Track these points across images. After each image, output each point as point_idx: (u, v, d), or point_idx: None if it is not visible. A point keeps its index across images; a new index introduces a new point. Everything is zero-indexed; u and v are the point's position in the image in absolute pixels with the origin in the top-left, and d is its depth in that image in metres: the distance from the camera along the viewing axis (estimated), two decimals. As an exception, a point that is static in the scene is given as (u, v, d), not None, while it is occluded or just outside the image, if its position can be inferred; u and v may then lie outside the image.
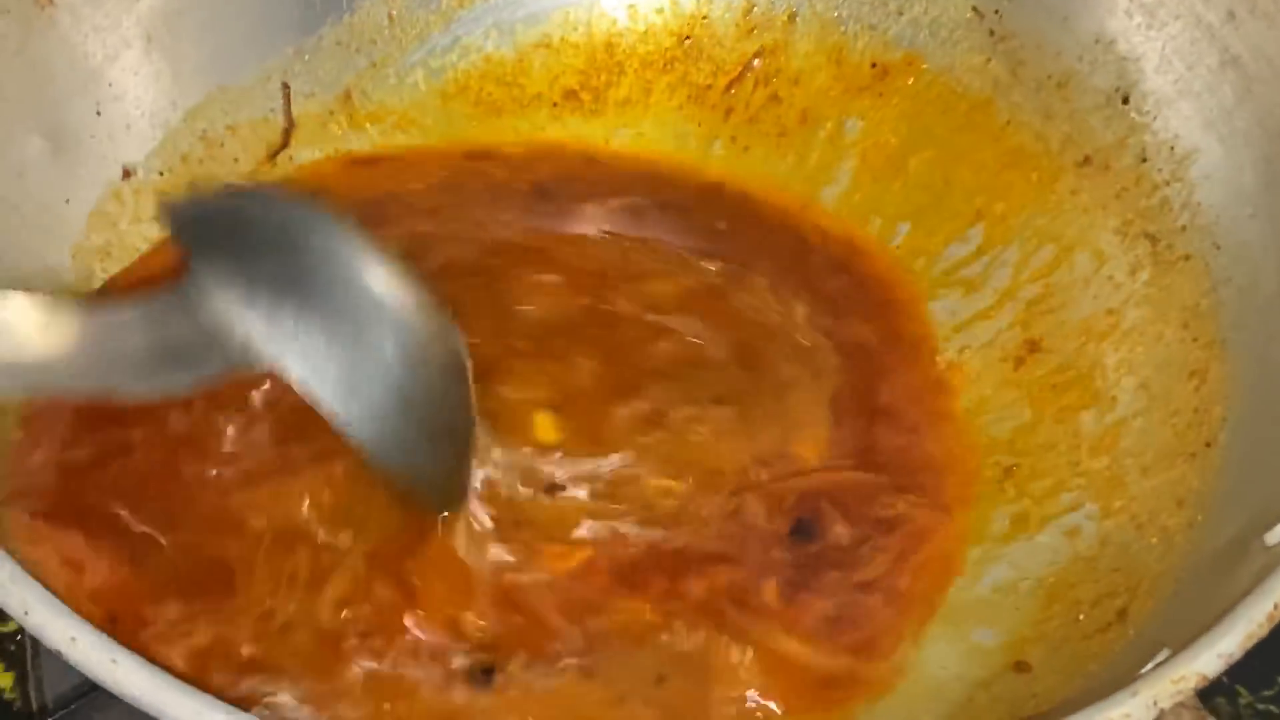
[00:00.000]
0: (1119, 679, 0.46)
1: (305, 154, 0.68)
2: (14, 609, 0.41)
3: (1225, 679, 0.64)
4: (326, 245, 0.55)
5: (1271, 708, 0.63)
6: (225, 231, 0.55)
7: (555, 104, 0.71)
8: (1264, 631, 0.43)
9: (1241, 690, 0.64)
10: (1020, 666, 0.54)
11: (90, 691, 0.58)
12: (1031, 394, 0.63)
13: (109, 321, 0.52)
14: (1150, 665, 0.44)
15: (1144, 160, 0.63)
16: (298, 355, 0.53)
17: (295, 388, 0.53)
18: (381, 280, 0.56)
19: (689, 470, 0.59)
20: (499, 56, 0.71)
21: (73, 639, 0.40)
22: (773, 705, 0.54)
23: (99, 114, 0.61)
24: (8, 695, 0.62)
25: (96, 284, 0.60)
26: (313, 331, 0.54)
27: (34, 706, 0.61)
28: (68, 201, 0.60)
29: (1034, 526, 0.59)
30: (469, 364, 0.58)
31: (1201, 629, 0.44)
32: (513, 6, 0.71)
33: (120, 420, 0.57)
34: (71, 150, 0.60)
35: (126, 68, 0.62)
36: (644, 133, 0.71)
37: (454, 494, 0.58)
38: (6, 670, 0.63)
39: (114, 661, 0.40)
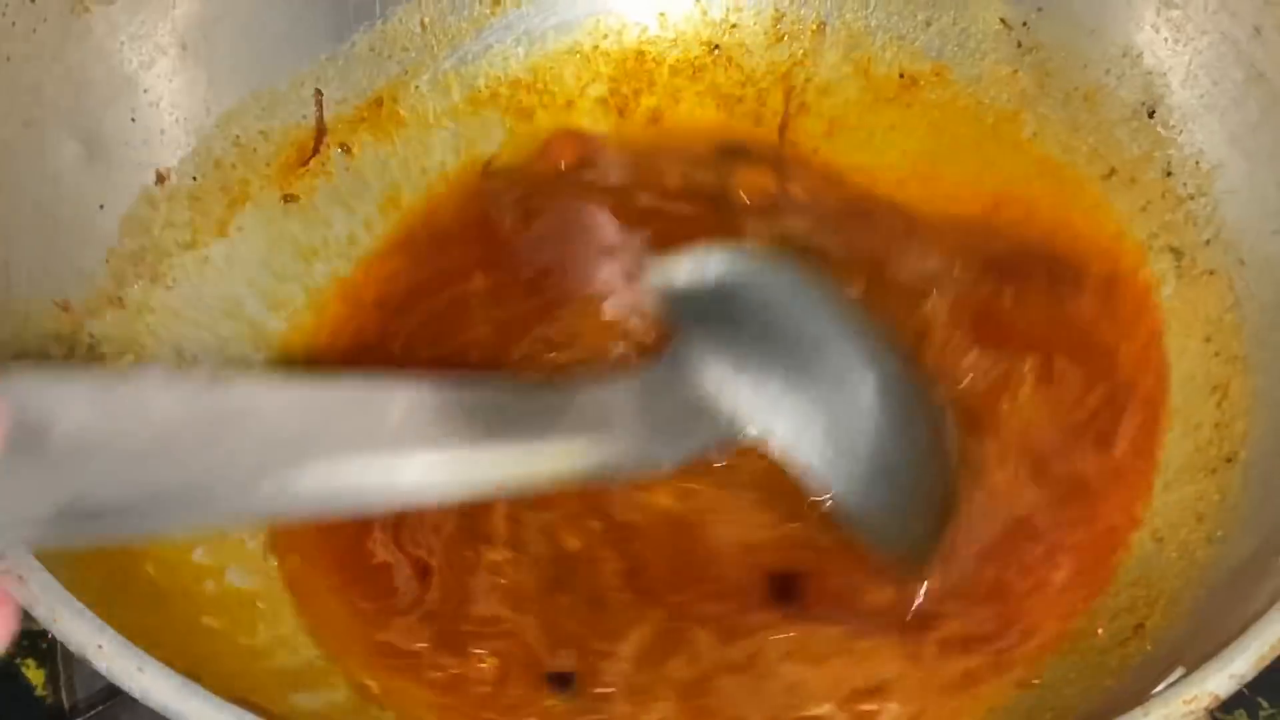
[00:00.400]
0: (1135, 695, 0.46)
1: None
2: (43, 617, 0.41)
3: (1246, 691, 0.64)
4: (809, 306, 0.55)
5: (1294, 720, 0.63)
6: (711, 300, 0.55)
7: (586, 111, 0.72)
8: (1276, 653, 0.43)
9: (1263, 703, 0.64)
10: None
11: (121, 692, 0.59)
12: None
13: (597, 399, 0.52)
14: (1164, 684, 0.44)
15: (1169, 174, 0.63)
16: (786, 423, 0.53)
17: (779, 456, 0.53)
18: (867, 340, 0.56)
19: None
20: (530, 63, 0.71)
21: (99, 646, 0.41)
22: None
23: (133, 120, 0.61)
24: (39, 692, 0.63)
25: (128, 291, 0.60)
26: (800, 397, 0.53)
27: (65, 704, 0.62)
28: (102, 207, 0.60)
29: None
30: (950, 420, 0.59)
31: (1216, 648, 0.44)
32: (544, 14, 0.71)
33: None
34: (105, 156, 0.60)
35: (161, 74, 0.62)
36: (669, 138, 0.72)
37: (928, 552, 0.58)
38: (39, 667, 0.64)
39: (140, 669, 0.40)
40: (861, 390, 0.55)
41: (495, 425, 0.47)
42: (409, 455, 0.44)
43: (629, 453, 0.51)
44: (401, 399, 0.45)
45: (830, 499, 0.54)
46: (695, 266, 0.56)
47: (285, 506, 0.42)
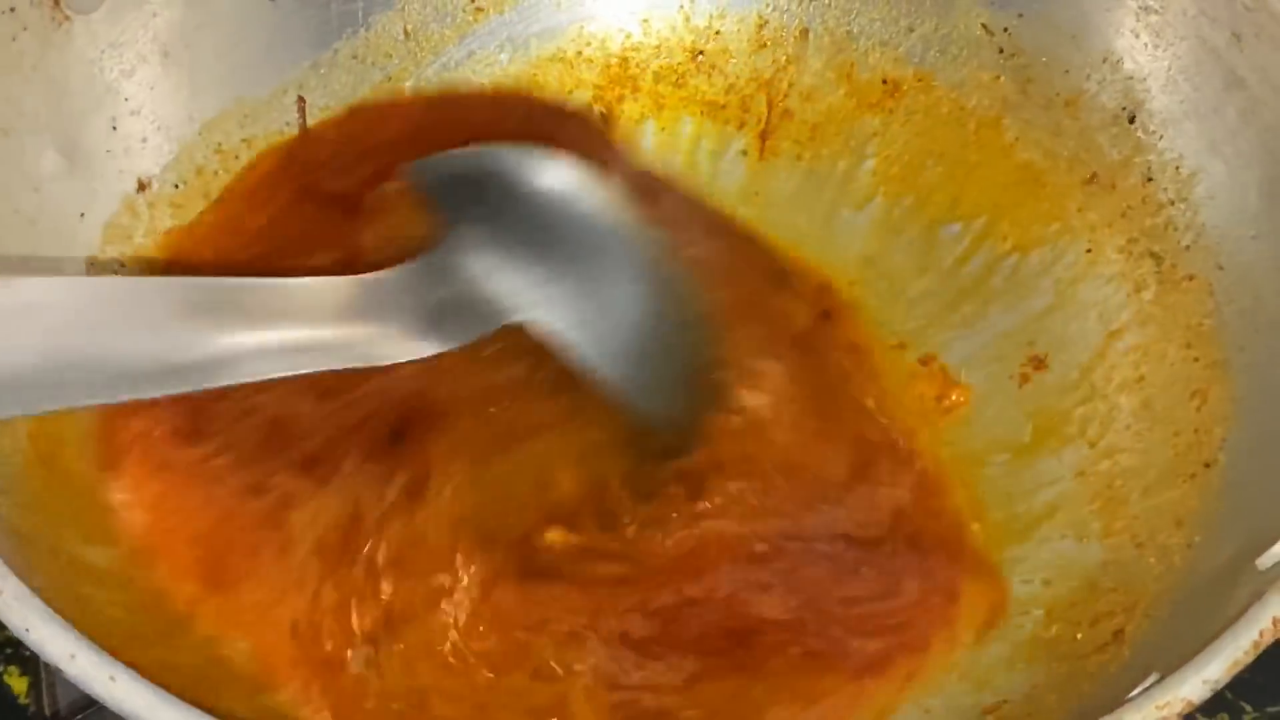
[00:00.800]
0: (1112, 700, 0.46)
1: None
2: (15, 626, 0.42)
3: (1229, 694, 0.64)
4: (570, 196, 0.57)
5: (1277, 724, 0.64)
6: (475, 191, 0.57)
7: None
8: (1249, 659, 0.44)
9: (1246, 706, 0.64)
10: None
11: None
12: (1035, 411, 0.63)
13: (374, 291, 0.55)
14: (1138, 690, 0.45)
15: (1149, 180, 0.63)
16: (552, 307, 0.56)
17: (548, 338, 0.56)
18: (624, 227, 0.57)
19: None
20: (514, 70, 0.71)
21: (72, 656, 0.41)
22: None
23: (115, 128, 0.61)
24: (22, 701, 0.63)
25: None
26: (565, 282, 0.56)
27: (47, 712, 0.62)
28: (83, 215, 0.60)
29: (1035, 543, 0.60)
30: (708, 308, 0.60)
31: (1192, 653, 0.44)
32: (527, 21, 0.71)
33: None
34: (87, 164, 0.60)
35: (143, 82, 0.62)
36: (657, 146, 0.72)
37: (693, 435, 0.60)
38: (21, 675, 0.64)
39: (112, 679, 0.40)
40: (622, 278, 0.57)
41: (258, 315, 0.51)
42: (174, 341, 0.49)
43: (400, 339, 0.54)
44: (167, 291, 0.50)
45: (597, 377, 0.57)
46: (458, 161, 0.59)
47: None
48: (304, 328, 0.52)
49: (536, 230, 0.57)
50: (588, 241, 0.57)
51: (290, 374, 0.51)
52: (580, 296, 0.57)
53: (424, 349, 0.55)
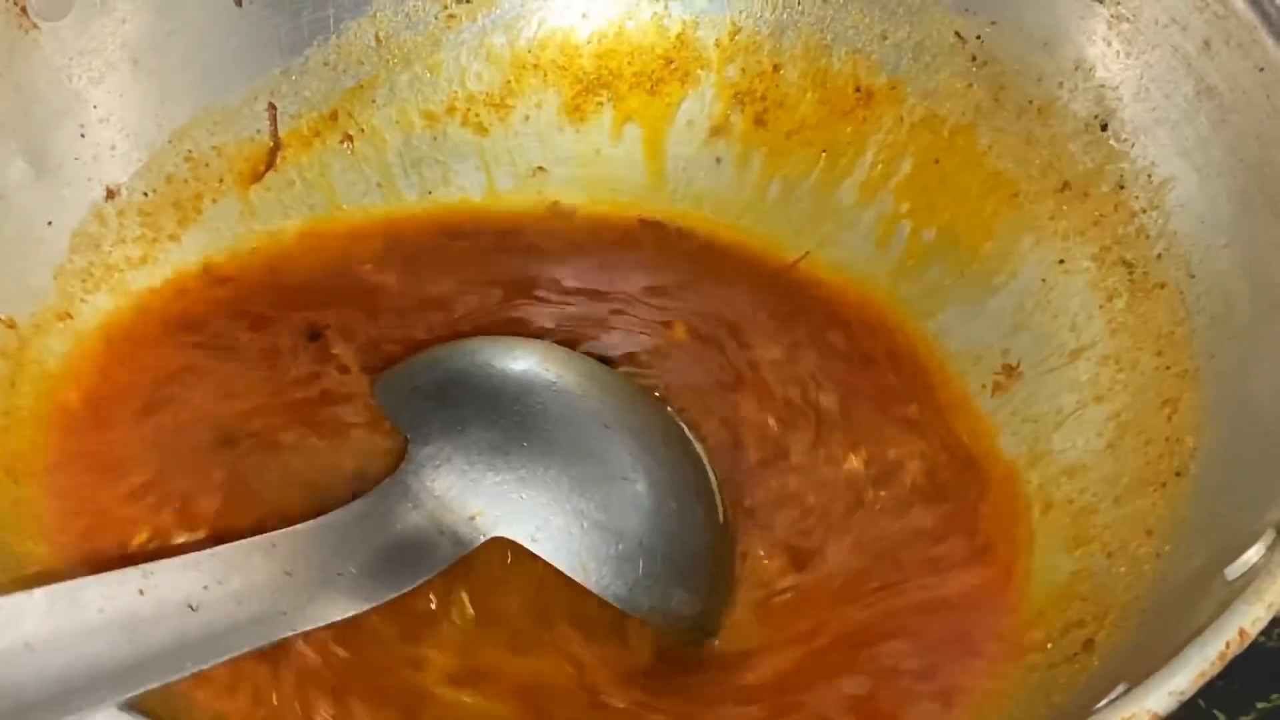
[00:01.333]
0: (1080, 711, 0.46)
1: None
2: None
3: (1203, 703, 0.64)
4: (539, 380, 0.57)
5: (1250, 733, 0.63)
6: (438, 399, 0.56)
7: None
8: (1216, 670, 0.43)
9: (1219, 715, 0.64)
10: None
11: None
12: (1008, 420, 0.63)
13: (318, 540, 0.51)
14: (1105, 701, 0.44)
15: (1122, 188, 0.63)
16: (529, 516, 0.54)
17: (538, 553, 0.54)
18: (606, 406, 0.57)
19: None
20: (487, 78, 0.71)
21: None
22: None
23: (83, 135, 0.61)
24: None
25: (76, 307, 0.60)
26: (541, 484, 0.54)
27: None
28: (50, 223, 0.60)
29: (1008, 552, 0.60)
30: (712, 478, 0.59)
31: (1160, 663, 0.44)
32: (500, 29, 0.71)
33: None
34: (54, 172, 0.60)
35: (112, 89, 0.62)
36: (629, 154, 0.72)
37: (716, 619, 0.57)
38: None
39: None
40: (611, 466, 0.55)
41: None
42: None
43: (347, 592, 0.50)
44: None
45: (587, 583, 0.54)
46: (418, 369, 0.58)
47: None
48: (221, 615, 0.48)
49: (507, 427, 0.55)
50: (565, 430, 0.56)
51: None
52: (560, 498, 0.54)
53: (372, 599, 0.51)
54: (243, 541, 0.50)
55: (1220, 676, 0.44)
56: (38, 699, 0.42)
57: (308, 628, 0.49)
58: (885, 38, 0.69)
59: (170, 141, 0.64)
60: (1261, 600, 0.44)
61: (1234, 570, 0.48)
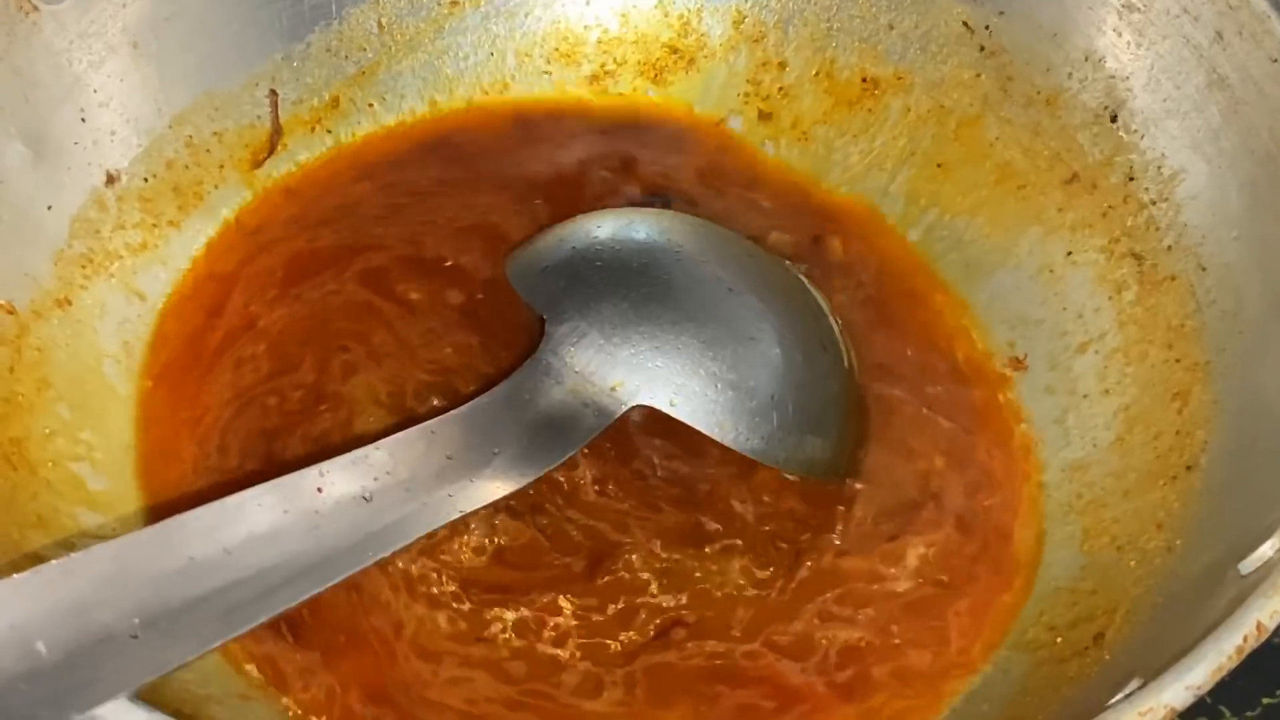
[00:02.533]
0: (1092, 705, 0.45)
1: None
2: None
3: (1209, 699, 0.64)
4: (666, 247, 0.59)
5: (1255, 728, 0.63)
6: (568, 276, 0.59)
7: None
8: (1233, 664, 0.43)
9: (1225, 711, 0.64)
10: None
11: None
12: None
13: (472, 424, 0.54)
14: (1120, 695, 0.44)
15: (1131, 179, 0.62)
16: (666, 388, 0.56)
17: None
18: (732, 269, 0.59)
19: None
20: (491, 64, 0.70)
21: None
22: None
23: (83, 120, 0.60)
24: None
25: (75, 293, 0.59)
26: (676, 350, 0.57)
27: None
28: (50, 208, 0.59)
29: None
30: (835, 328, 0.60)
31: (1173, 658, 0.43)
32: (505, 16, 0.70)
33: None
34: (54, 156, 0.59)
35: (112, 74, 0.61)
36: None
37: (847, 462, 0.59)
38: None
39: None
40: (740, 328, 0.57)
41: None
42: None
43: (504, 471, 0.53)
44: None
45: (727, 444, 0.56)
46: (543, 250, 0.60)
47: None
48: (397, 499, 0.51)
49: (636, 299, 0.57)
50: (691, 296, 0.58)
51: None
52: (693, 363, 0.56)
53: (528, 475, 0.54)
54: (404, 433, 0.53)
55: (1226, 672, 0.43)
56: (240, 600, 0.45)
57: (472, 508, 0.52)
58: (892, 27, 0.68)
59: (170, 127, 0.64)
60: (1279, 593, 0.44)
61: (1248, 564, 0.47)
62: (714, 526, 0.57)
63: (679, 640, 0.55)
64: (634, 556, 0.56)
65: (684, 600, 0.56)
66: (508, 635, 0.55)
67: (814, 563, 0.57)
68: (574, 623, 0.55)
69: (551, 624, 0.55)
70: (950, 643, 0.56)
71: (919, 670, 0.56)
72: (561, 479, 0.57)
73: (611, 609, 0.55)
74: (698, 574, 0.56)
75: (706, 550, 0.57)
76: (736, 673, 0.55)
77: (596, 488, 0.57)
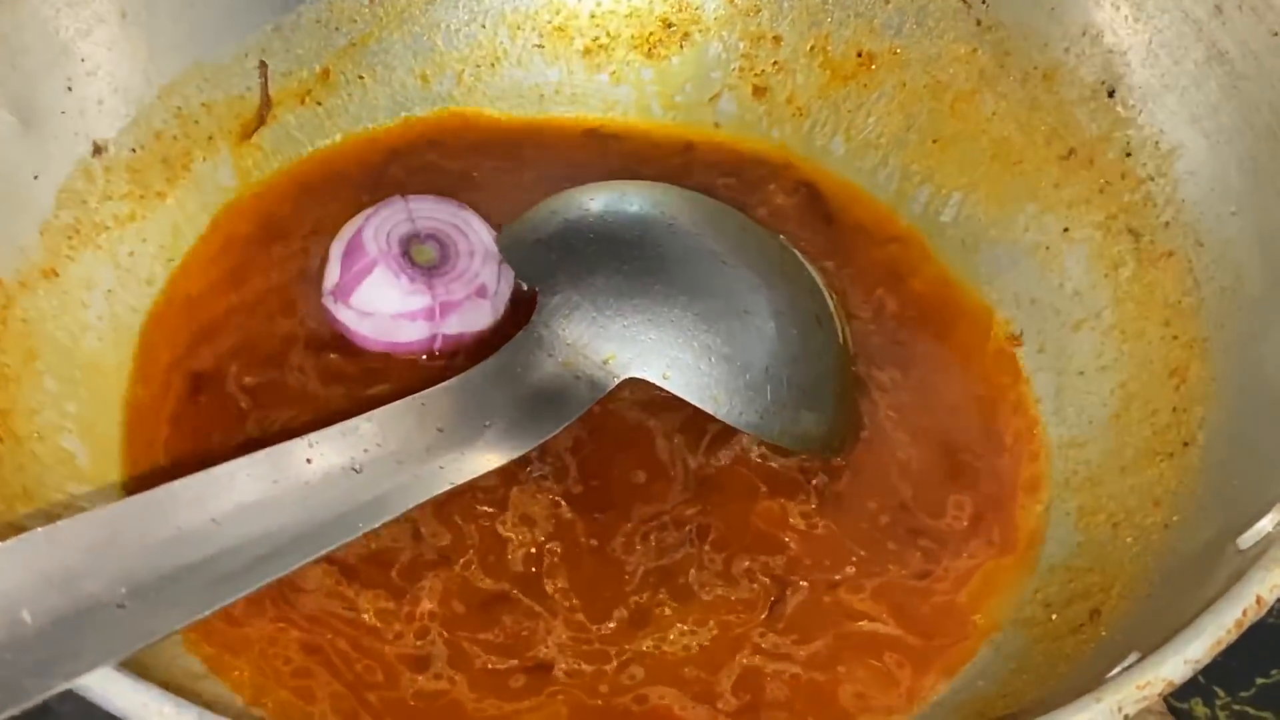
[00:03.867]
0: (1090, 681, 0.45)
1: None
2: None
3: (1202, 679, 0.63)
4: (659, 219, 0.59)
5: (1249, 709, 0.63)
6: (561, 248, 0.59)
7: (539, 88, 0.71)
8: (1232, 638, 0.43)
9: (1219, 691, 0.63)
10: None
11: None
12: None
13: (464, 395, 0.54)
14: (1118, 669, 0.44)
15: (1128, 155, 0.62)
16: (659, 361, 0.56)
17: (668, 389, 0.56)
18: (726, 242, 0.59)
19: None
20: (482, 38, 0.70)
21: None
22: None
23: (70, 89, 0.60)
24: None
25: (62, 264, 0.59)
26: (668, 322, 0.56)
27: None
28: (36, 178, 0.58)
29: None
30: (830, 303, 0.60)
31: (1171, 633, 0.43)
32: (496, -13, 0.70)
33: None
34: (41, 126, 0.59)
35: (100, 43, 0.61)
36: (628, 114, 0.71)
37: (843, 437, 0.59)
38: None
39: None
40: (735, 301, 0.57)
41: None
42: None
43: (496, 443, 0.53)
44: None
45: (720, 417, 0.56)
46: (537, 221, 0.60)
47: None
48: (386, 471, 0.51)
49: (630, 271, 0.57)
50: (685, 269, 0.57)
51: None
52: (687, 336, 0.56)
53: (520, 447, 0.54)
54: (394, 404, 0.53)
55: (1221, 652, 0.43)
56: (229, 570, 0.45)
57: (464, 480, 0.52)
58: (888, 2, 0.68)
59: (159, 97, 0.63)
60: (1279, 567, 0.44)
61: (1247, 539, 0.47)
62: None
63: None
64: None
65: None
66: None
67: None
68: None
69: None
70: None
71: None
72: None
73: None
74: None
75: None
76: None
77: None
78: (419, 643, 0.54)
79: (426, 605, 0.54)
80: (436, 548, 0.56)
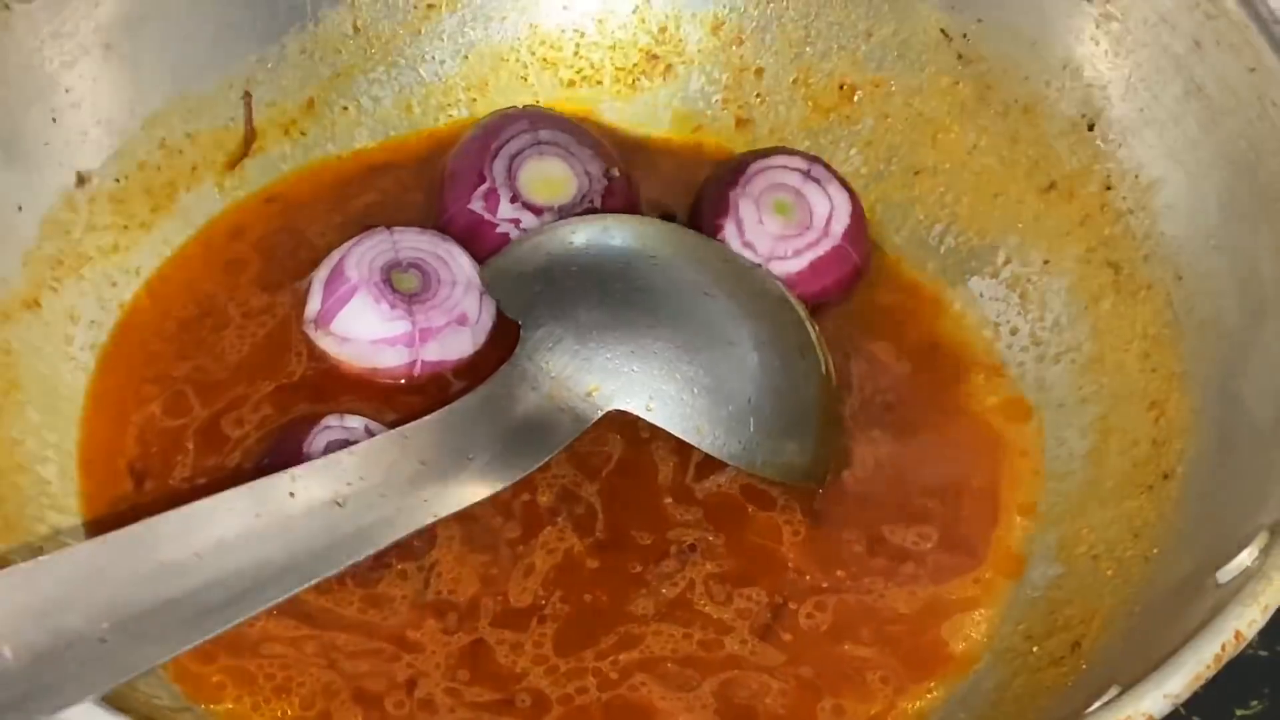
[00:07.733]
0: (1069, 714, 0.45)
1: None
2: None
3: (1183, 710, 0.63)
4: (642, 253, 0.59)
5: (1227, 740, 0.63)
6: (545, 282, 0.59)
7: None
8: (1211, 673, 0.43)
9: (1197, 721, 0.64)
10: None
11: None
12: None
13: (448, 429, 0.54)
14: (1098, 703, 0.44)
15: (1108, 188, 0.62)
16: (642, 393, 0.57)
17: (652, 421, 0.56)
18: (708, 274, 0.59)
19: None
20: (465, 70, 0.70)
21: None
22: None
23: (54, 120, 0.60)
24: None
25: (44, 295, 0.59)
26: (653, 355, 0.57)
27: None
28: (20, 208, 0.59)
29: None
30: (813, 333, 0.60)
31: (1151, 666, 0.43)
32: (480, 21, 0.70)
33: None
34: (25, 156, 0.59)
35: (84, 74, 0.61)
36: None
37: (826, 467, 0.59)
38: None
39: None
40: (716, 334, 0.58)
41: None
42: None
43: (480, 476, 0.53)
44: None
45: (704, 448, 0.57)
46: (521, 254, 0.60)
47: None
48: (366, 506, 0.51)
49: (612, 304, 0.58)
50: (668, 301, 0.58)
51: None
52: (669, 368, 0.57)
53: (504, 480, 0.54)
54: (377, 438, 0.53)
55: (1204, 681, 0.43)
56: (212, 603, 0.45)
57: (447, 513, 0.52)
58: (870, 34, 0.68)
59: (143, 128, 0.63)
60: (1257, 603, 0.44)
61: (1226, 573, 0.47)
62: None
63: None
64: None
65: None
66: None
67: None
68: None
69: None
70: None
71: None
72: None
73: None
74: None
75: None
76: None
77: None
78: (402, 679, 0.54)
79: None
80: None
